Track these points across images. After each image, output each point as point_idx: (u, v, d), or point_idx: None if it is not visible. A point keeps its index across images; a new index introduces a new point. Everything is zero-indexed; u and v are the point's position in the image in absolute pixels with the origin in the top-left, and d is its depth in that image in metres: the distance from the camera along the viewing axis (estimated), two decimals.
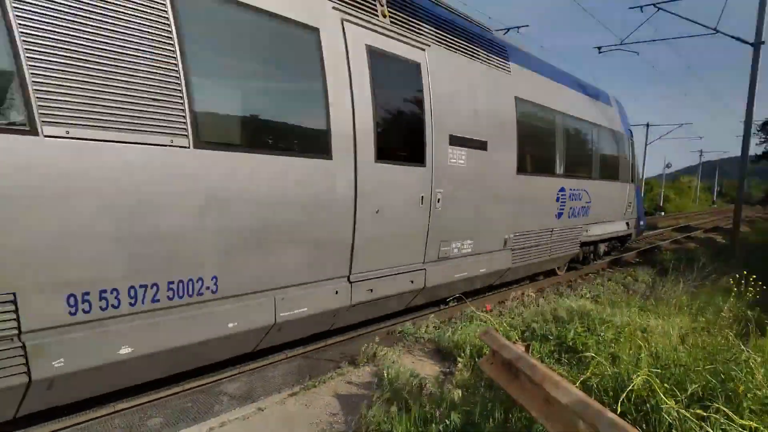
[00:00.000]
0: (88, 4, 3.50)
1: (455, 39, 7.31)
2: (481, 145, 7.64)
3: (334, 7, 5.47)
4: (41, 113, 3.28)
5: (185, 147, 4.09)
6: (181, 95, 4.03)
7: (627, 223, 14.16)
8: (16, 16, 3.15)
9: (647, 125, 48.77)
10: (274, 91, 5.15)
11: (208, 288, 4.43)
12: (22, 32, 3.18)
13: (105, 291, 3.76)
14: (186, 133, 4.08)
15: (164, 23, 3.94)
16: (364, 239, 5.90)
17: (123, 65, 3.69)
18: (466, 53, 7.49)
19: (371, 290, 6.23)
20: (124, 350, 3.95)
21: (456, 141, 7.11)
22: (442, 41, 7.04)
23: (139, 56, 3.79)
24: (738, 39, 16.63)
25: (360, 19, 5.78)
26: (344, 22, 5.58)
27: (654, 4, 17.18)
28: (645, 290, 10.23)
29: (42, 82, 3.28)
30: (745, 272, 7.73)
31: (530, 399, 3.56)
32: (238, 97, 4.80)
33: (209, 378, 5.28)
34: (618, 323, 6.29)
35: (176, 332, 4.29)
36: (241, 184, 4.55)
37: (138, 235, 3.89)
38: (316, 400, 4.83)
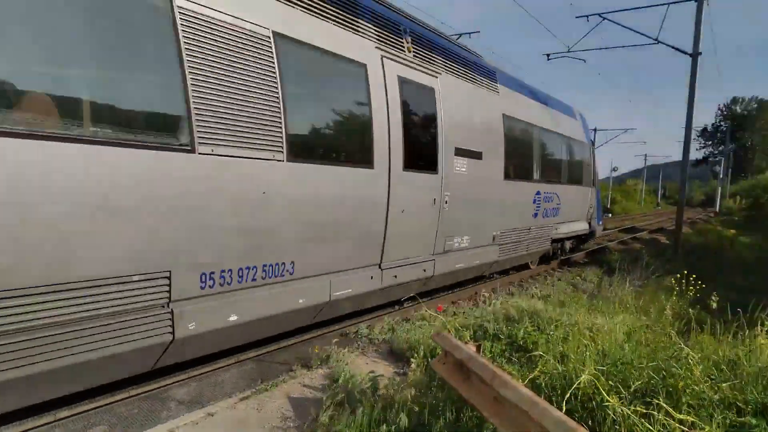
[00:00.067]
0: (228, 69, 4.73)
1: (458, 67, 8.67)
2: (478, 156, 8.91)
3: (376, 47, 6.78)
4: (198, 138, 4.44)
5: (281, 161, 5.27)
6: (280, 124, 5.24)
7: (589, 223, 15.62)
8: (190, 75, 4.38)
9: (595, 130, 50.28)
10: (336, 115, 6.33)
11: (287, 270, 5.62)
12: (192, 86, 4.39)
13: (224, 271, 4.90)
14: (282, 151, 5.26)
15: (272, 72, 5.19)
16: (392, 234, 7.09)
17: (247, 105, 4.91)
18: (466, 78, 8.86)
19: (395, 276, 7.40)
20: (232, 318, 5.07)
21: (460, 152, 8.37)
22: (449, 69, 8.38)
23: (257, 98, 5.02)
24: (678, 49, 17.37)
25: (393, 55, 7.09)
26: (383, 59, 6.87)
27: (599, 14, 17.80)
28: (593, 290, 10.53)
29: (199, 118, 4.45)
30: (685, 272, 8.07)
31: (481, 398, 3.61)
32: (313, 122, 5.97)
33: (156, 383, 5.13)
34: (567, 322, 6.46)
35: (265, 305, 5.45)
36: (315, 188, 5.75)
37: (247, 228, 5.05)
38: (268, 404, 4.77)
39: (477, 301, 9.39)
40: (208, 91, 4.54)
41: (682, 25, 17.34)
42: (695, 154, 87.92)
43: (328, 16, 6.05)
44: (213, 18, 4.63)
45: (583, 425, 3.20)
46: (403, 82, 7.17)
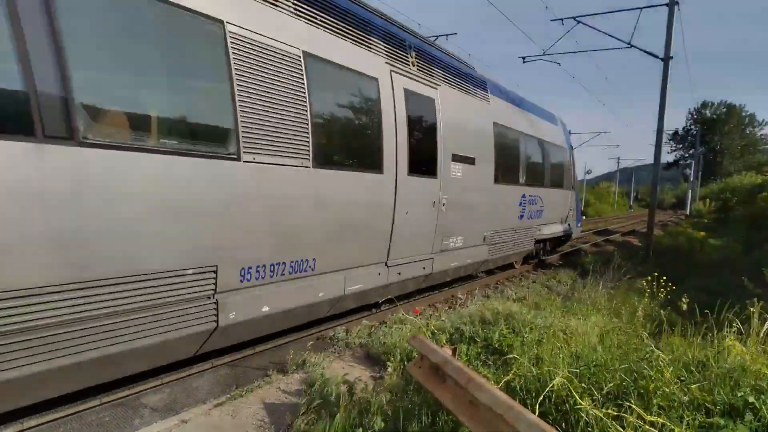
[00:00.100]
0: (266, 85, 5.31)
1: (455, 78, 9.30)
2: (471, 161, 9.49)
3: (386, 62, 7.38)
4: (243, 147, 5.02)
5: (308, 167, 5.84)
6: (308, 133, 5.82)
7: (569, 224, 16.39)
8: (238, 91, 4.97)
9: (569, 133, 50.90)
10: (352, 125, 6.94)
11: (310, 266, 6.18)
12: (239, 101, 4.98)
13: (259, 266, 5.47)
14: (309, 158, 5.84)
15: (302, 88, 5.78)
16: (398, 234, 7.67)
17: (283, 120, 5.50)
18: (461, 89, 9.47)
19: (399, 273, 7.98)
20: (265, 308, 5.64)
21: (456, 158, 8.96)
22: (447, 81, 8.98)
23: (289, 110, 5.60)
24: (650, 54, 17.71)
25: (400, 69, 7.68)
26: (392, 73, 7.46)
27: (574, 18, 18.04)
28: (567, 291, 10.67)
29: (245, 129, 5.04)
30: (656, 274, 8.23)
31: (456, 402, 3.63)
32: (333, 131, 6.54)
33: (129, 390, 5.04)
34: (541, 324, 6.53)
35: (292, 297, 6.01)
36: (334, 192, 6.31)
37: (279, 227, 5.62)
38: (243, 410, 4.73)
39: (454, 304, 9.45)
40: (251, 105, 5.13)
41: (655, 29, 17.66)
42: (666, 158, 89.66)
43: (347, 35, 6.68)
44: (255, 40, 5.23)
45: (556, 428, 3.24)
46: (408, 93, 7.76)
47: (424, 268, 8.64)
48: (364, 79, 6.92)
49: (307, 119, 5.81)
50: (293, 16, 5.83)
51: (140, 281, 4.29)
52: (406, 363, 5.40)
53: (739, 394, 3.56)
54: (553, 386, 3.86)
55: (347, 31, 6.68)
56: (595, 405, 3.67)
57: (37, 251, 3.62)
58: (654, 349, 4.30)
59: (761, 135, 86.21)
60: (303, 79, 5.79)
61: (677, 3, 17.05)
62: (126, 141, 4.08)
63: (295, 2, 5.88)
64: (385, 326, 7.29)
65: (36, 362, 3.74)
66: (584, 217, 42.33)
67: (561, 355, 4.72)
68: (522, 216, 12.26)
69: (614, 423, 3.28)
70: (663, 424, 3.28)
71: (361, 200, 6.87)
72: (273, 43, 5.45)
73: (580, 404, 3.52)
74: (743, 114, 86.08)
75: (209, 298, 4.99)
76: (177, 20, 4.55)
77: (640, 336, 5.39)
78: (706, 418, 3.46)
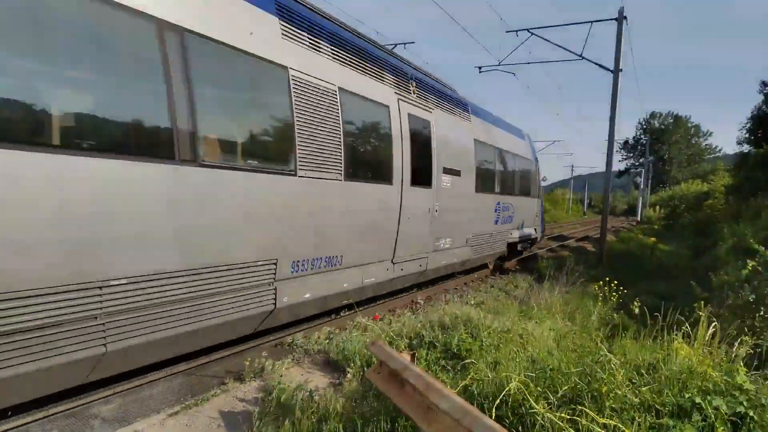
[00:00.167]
0: (313, 115, 6.54)
1: (445, 102, 10.79)
2: (457, 173, 10.86)
3: (395, 92, 8.72)
4: (299, 166, 6.28)
5: (340, 180, 7.09)
6: (341, 153, 7.06)
7: (535, 229, 17.95)
8: (297, 122, 6.23)
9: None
10: (371, 144, 8.22)
11: (338, 262, 7.40)
12: (297, 130, 6.25)
13: (304, 260, 6.67)
14: (341, 173, 7.09)
15: (337, 116, 7.02)
16: (402, 235, 8.94)
17: (324, 142, 6.75)
18: (450, 111, 10.91)
19: (402, 269, 9.26)
20: (306, 295, 6.82)
21: (446, 171, 10.32)
22: (439, 105, 10.43)
23: (329, 138, 6.85)
24: (600, 66, 18.28)
25: (404, 96, 9.01)
26: (399, 101, 8.78)
27: (528, 30, 18.48)
28: (524, 296, 10.85)
29: (301, 151, 6.29)
30: (608, 278, 8.48)
31: (415, 408, 3.63)
32: (358, 149, 7.77)
33: (78, 401, 4.86)
34: (499, 329, 6.62)
35: (325, 287, 7.21)
36: (357, 200, 7.60)
37: (318, 227, 6.82)
38: (199, 419, 4.62)
39: (414, 309, 9.48)
40: (305, 132, 6.39)
41: (607, 42, 18.24)
42: (618, 166, 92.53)
43: (366, 71, 8.02)
44: (307, 81, 6.51)
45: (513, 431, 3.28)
46: (410, 117, 9.08)
47: (420, 265, 9.96)
48: (380, 107, 8.26)
49: (340, 141, 7.06)
50: (330, 59, 7.15)
51: (229, 269, 5.49)
52: (365, 369, 5.39)
53: (687, 396, 3.69)
54: (509, 390, 3.92)
55: (367, 68, 8.05)
56: (550, 408, 3.74)
57: (173, 245, 4.85)
58: (606, 353, 4.41)
59: (706, 145, 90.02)
60: (338, 109, 7.08)
61: (625, 18, 17.69)
62: (226, 162, 5.37)
63: (332, 48, 7.24)
64: (346, 332, 7.26)
65: (162, 329, 4.89)
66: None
67: (518, 360, 4.79)
68: (497, 221, 13.74)
69: (568, 426, 3.35)
70: (615, 426, 3.37)
71: (376, 207, 8.16)
72: (318, 82, 6.74)
73: (535, 408, 3.58)
74: (689, 125, 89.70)
75: (270, 285, 6.18)
76: (262, 70, 5.93)
77: (594, 340, 5.52)
78: (656, 419, 3.57)
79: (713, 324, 4.82)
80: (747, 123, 22.02)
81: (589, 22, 17.94)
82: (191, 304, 5.09)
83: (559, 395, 3.97)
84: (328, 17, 7.74)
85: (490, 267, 15.25)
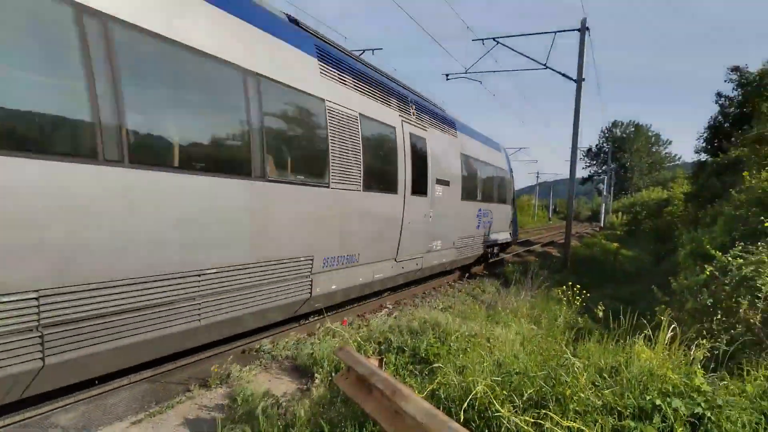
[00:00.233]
0: (342, 138, 7.77)
1: (437, 121, 12.17)
2: (447, 183, 12.23)
3: (399, 115, 10.01)
4: (331, 180, 7.51)
5: (359, 190, 8.31)
6: (360, 168, 8.27)
7: (509, 233, 19.35)
8: (331, 144, 7.48)
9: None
10: (382, 160, 9.35)
11: (356, 259, 8.57)
12: (331, 151, 7.49)
13: (333, 258, 7.84)
14: (360, 185, 8.31)
15: (357, 138, 8.23)
16: (403, 238, 10.21)
17: (349, 159, 7.97)
18: (441, 129, 12.25)
19: (403, 267, 10.57)
20: (333, 286, 8.01)
21: (439, 182, 11.68)
22: (433, 124, 11.81)
23: (353, 157, 8.09)
24: (564, 75, 18.68)
25: (406, 118, 10.32)
26: (402, 122, 10.09)
27: (493, 38, 18.78)
28: (491, 300, 10.96)
29: (333, 168, 7.54)
30: (571, 283, 8.65)
31: (382, 412, 3.64)
32: (372, 165, 8.74)
33: (38, 409, 4.71)
34: (467, 333, 6.67)
35: (345, 280, 8.40)
36: (372, 207, 8.82)
37: (343, 230, 7.96)
38: (163, 427, 4.54)
39: (384, 314, 9.47)
40: (336, 151, 7.65)
41: (570, 52, 18.63)
42: (581, 173, 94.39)
43: (378, 98, 9.28)
44: (338, 110, 7.77)
45: None
46: (411, 135, 10.37)
47: (417, 264, 11.29)
48: (388, 128, 9.52)
49: (360, 158, 8.27)
50: (353, 89, 8.37)
51: (281, 263, 6.69)
52: (334, 374, 5.37)
53: (648, 398, 3.78)
54: (475, 394, 3.95)
55: (378, 95, 9.32)
56: (516, 411, 3.79)
57: (246, 242, 6.03)
58: (570, 356, 4.48)
59: (666, 153, 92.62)
60: (358, 131, 8.30)
61: (588, 29, 18.14)
62: (283, 178, 6.60)
63: (354, 80, 8.48)
64: (314, 337, 7.23)
65: (238, 310, 6.05)
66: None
67: (485, 364, 4.83)
68: (478, 226, 15.16)
69: (533, 429, 3.40)
70: (579, 429, 3.44)
71: (385, 213, 9.41)
72: (345, 110, 7.97)
73: (500, 412, 3.63)
74: (650, 134, 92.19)
75: (307, 277, 7.33)
76: (309, 103, 7.19)
77: (559, 343, 5.61)
78: (618, 421, 3.65)
79: (672, 327, 4.95)
80: (704, 132, 22.69)
81: (552, 32, 18.35)
82: (255, 291, 6.29)
83: (524, 398, 4.02)
84: (349, 54, 9.27)
85: (472, 269, 16.53)
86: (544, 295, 10.41)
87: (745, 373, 4.25)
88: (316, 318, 8.39)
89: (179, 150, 5.15)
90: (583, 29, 18.11)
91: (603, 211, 63.50)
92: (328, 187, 7.46)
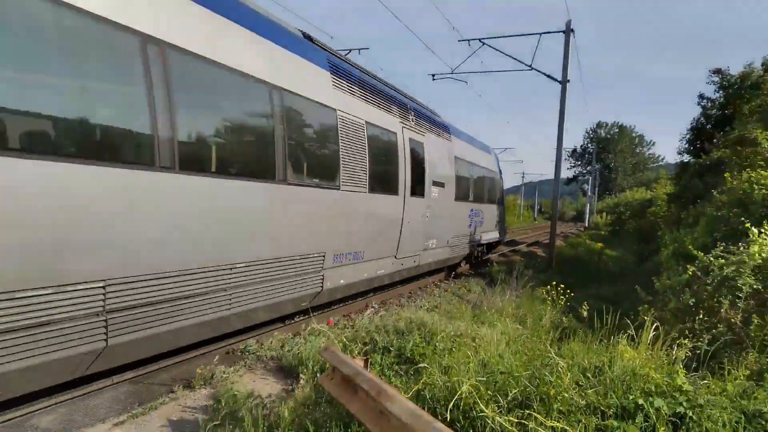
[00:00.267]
0: (350, 144, 8.43)
1: (434, 126, 12.96)
2: (442, 185, 12.97)
3: (399, 121, 10.69)
4: (342, 182, 8.20)
5: (365, 192, 8.98)
6: (366, 172, 8.95)
7: (499, 232, 20.16)
8: (342, 150, 8.19)
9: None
10: (385, 163, 9.97)
11: (361, 256, 9.21)
12: (342, 155, 8.18)
13: (341, 254, 8.47)
14: (366, 187, 8.98)
15: (363, 143, 8.90)
16: (403, 236, 10.88)
17: (357, 165, 8.66)
18: (437, 134, 13.05)
19: (402, 264, 11.26)
20: (341, 281, 8.65)
21: (435, 183, 12.40)
22: (430, 129, 12.56)
23: (360, 161, 8.77)
24: (549, 76, 18.81)
25: (406, 124, 11.05)
26: (403, 128, 10.79)
27: (479, 39, 18.86)
28: (477, 300, 11.00)
29: (343, 172, 8.22)
30: (555, 283, 8.71)
31: (367, 413, 3.63)
32: (376, 168, 9.41)
33: (19, 411, 4.64)
34: (452, 333, 6.68)
35: (352, 275, 9.03)
36: (376, 207, 9.47)
37: (350, 228, 8.60)
38: (146, 429, 4.50)
39: (369, 314, 9.46)
40: (346, 157, 8.33)
41: (556, 54, 18.78)
42: (566, 173, 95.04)
43: (381, 107, 9.99)
44: (347, 118, 8.47)
45: None
46: (411, 140, 11.09)
47: (415, 261, 11.99)
48: (390, 134, 10.21)
49: (366, 162, 8.95)
50: (360, 99, 9.10)
51: (296, 259, 7.30)
52: (319, 374, 5.35)
53: (631, 397, 3.81)
54: (461, 394, 3.96)
55: (381, 104, 10.03)
56: (500, 411, 3.80)
57: (268, 239, 6.68)
58: (554, 356, 4.50)
59: (649, 154, 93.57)
60: (364, 138, 8.97)
61: (572, 31, 18.28)
62: (301, 181, 7.27)
63: (361, 91, 9.21)
64: (299, 337, 7.20)
65: (261, 300, 6.71)
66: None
67: (470, 364, 4.84)
68: (470, 225, 15.90)
69: (517, 429, 3.42)
70: (562, 429, 3.45)
71: (387, 213, 10.06)
72: (353, 118, 8.67)
73: (485, 412, 3.64)
74: (634, 134, 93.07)
75: (319, 272, 7.95)
76: (324, 113, 7.91)
77: (544, 343, 5.64)
78: (601, 420, 3.68)
79: (654, 326, 5.00)
80: (687, 134, 22.94)
81: (538, 33, 18.49)
82: (276, 283, 6.92)
83: (509, 398, 4.03)
84: (356, 66, 9.98)
85: (462, 265, 17.14)
86: (529, 294, 10.47)
87: (726, 372, 4.30)
88: (301, 318, 8.36)
89: (220, 158, 5.86)
90: (568, 31, 18.24)
91: (587, 211, 64.02)
92: (338, 189, 8.15)
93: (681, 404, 3.67)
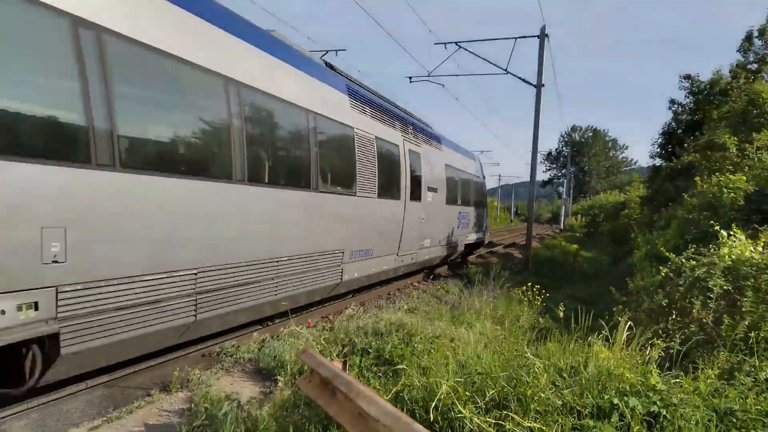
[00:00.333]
0: (363, 155, 9.83)
1: (428, 138, 14.40)
2: (435, 190, 14.39)
3: (401, 135, 12.11)
4: (358, 190, 9.61)
5: (375, 197, 10.33)
6: (375, 180, 10.31)
7: (483, 233, 21.56)
8: (357, 162, 9.61)
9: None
10: (389, 172, 11.26)
11: (370, 253, 10.54)
12: (358, 166, 9.63)
13: (355, 251, 9.83)
14: (376, 193, 10.34)
15: (373, 155, 10.25)
16: (404, 236, 12.27)
17: (369, 174, 10.05)
18: (431, 144, 14.48)
19: (402, 261, 12.68)
20: (356, 274, 10.05)
21: (429, 189, 13.81)
22: (425, 141, 14.00)
23: (371, 170, 10.13)
24: (524, 80, 19.03)
25: (406, 137, 12.43)
26: (404, 141, 12.19)
27: (456, 43, 18.99)
28: (455, 301, 11.06)
29: (359, 181, 9.64)
30: (530, 284, 8.80)
31: (346, 415, 3.63)
32: (383, 177, 10.71)
33: None
34: (431, 334, 6.70)
35: (363, 269, 10.38)
36: (382, 210, 10.81)
37: (363, 228, 10.03)
38: None
39: (349, 316, 9.44)
40: (361, 167, 9.67)
41: (531, 58, 18.98)
42: (542, 176, 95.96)
43: (387, 123, 11.39)
44: (362, 134, 9.84)
45: None
46: (410, 151, 12.49)
47: (412, 258, 13.38)
48: (394, 146, 11.61)
49: (375, 171, 10.32)
50: (371, 117, 10.51)
51: (322, 254, 8.63)
52: (297, 377, 5.33)
53: (606, 397, 3.87)
54: (439, 395, 3.98)
55: (387, 120, 11.44)
56: (478, 412, 3.83)
57: (303, 237, 7.95)
58: (531, 357, 4.55)
59: (623, 158, 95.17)
60: (374, 150, 10.33)
61: (547, 36, 18.54)
62: (328, 189, 8.60)
63: (371, 110, 10.67)
64: (277, 339, 7.15)
65: (297, 289, 8.04)
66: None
67: (449, 365, 4.87)
68: (459, 226, 17.25)
69: (494, 429, 3.45)
70: (539, 429, 3.50)
71: (391, 215, 11.43)
72: (366, 134, 10.03)
73: (462, 412, 3.66)
74: (607, 138, 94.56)
75: (339, 266, 9.27)
76: (344, 131, 9.26)
77: (521, 343, 5.70)
78: (577, 420, 3.73)
79: (628, 325, 5.09)
80: (658, 138, 23.40)
81: (513, 38, 18.65)
82: (308, 275, 8.24)
83: (487, 399, 4.07)
84: (367, 88, 11.42)
85: (449, 261, 18.64)
86: (506, 295, 10.54)
87: (699, 371, 4.38)
88: (281, 320, 8.31)
89: (274, 171, 7.21)
90: (542, 36, 18.48)
91: (563, 213, 64.89)
92: (355, 195, 9.52)
93: (655, 403, 3.74)
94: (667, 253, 7.02)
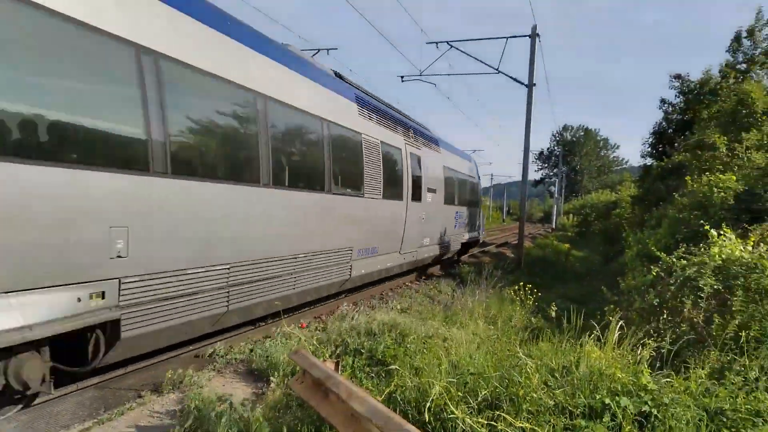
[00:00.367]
0: (369, 160, 10.47)
1: (427, 141, 15.06)
2: (434, 191, 15.00)
3: (403, 139, 12.73)
4: (365, 191, 10.35)
5: (380, 198, 10.98)
6: (380, 181, 10.95)
7: (478, 232, 22.28)
8: (365, 165, 10.34)
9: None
10: (393, 174, 11.90)
11: (376, 251, 11.19)
12: (365, 169, 10.35)
13: (363, 249, 10.49)
14: (380, 194, 10.97)
15: (378, 159, 10.94)
16: (406, 235, 12.85)
17: (375, 176, 10.73)
18: (430, 147, 15.12)
19: (404, 258, 13.24)
20: (363, 270, 10.65)
21: (429, 189, 14.41)
22: (425, 144, 14.66)
23: (377, 173, 10.85)
24: (515, 80, 19.09)
25: (407, 141, 13.06)
26: (405, 144, 12.82)
27: (447, 42, 19.05)
28: (447, 301, 11.06)
29: (366, 182, 10.36)
30: (522, 283, 8.82)
31: (339, 416, 3.63)
32: (386, 178, 11.30)
33: None
34: (424, 335, 6.70)
35: (369, 266, 11.01)
36: (386, 211, 11.46)
37: (369, 227, 10.67)
38: None
39: (342, 316, 9.42)
40: (367, 171, 10.30)
41: (522, 57, 19.03)
42: (534, 175, 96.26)
43: (390, 128, 12.07)
44: (368, 140, 10.47)
45: None
46: (411, 154, 13.12)
47: (414, 256, 13.97)
48: (397, 150, 12.27)
49: (380, 173, 10.95)
50: (376, 123, 11.16)
51: (335, 251, 9.23)
52: (290, 378, 5.31)
53: (598, 397, 3.89)
54: (432, 396, 3.98)
55: (390, 125, 12.13)
56: (471, 413, 3.83)
57: (319, 235, 8.59)
58: (523, 357, 4.56)
59: (614, 157, 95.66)
60: (379, 154, 10.98)
61: (538, 35, 18.59)
62: (340, 191, 9.23)
63: (377, 116, 11.35)
64: (270, 340, 7.13)
65: (314, 282, 8.68)
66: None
67: (441, 366, 4.87)
68: (456, 226, 17.91)
69: (486, 430, 3.45)
70: (531, 429, 3.51)
71: (394, 215, 12.04)
72: (372, 139, 10.67)
73: (454, 413, 3.67)
74: (599, 138, 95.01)
75: (348, 262, 9.82)
76: (354, 137, 9.96)
77: (513, 343, 5.71)
78: (569, 420, 3.74)
79: (620, 326, 5.10)
80: (649, 138, 23.50)
81: (504, 37, 18.68)
82: (321, 270, 8.83)
83: (479, 399, 4.07)
84: (372, 95, 12.06)
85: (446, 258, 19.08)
86: (498, 295, 10.54)
87: (690, 370, 4.41)
88: (273, 321, 8.29)
89: (294, 174, 7.86)
90: (534, 35, 18.53)
91: (555, 212, 65.11)
92: (362, 196, 10.18)
93: (646, 403, 3.76)
94: (658, 253, 7.05)
